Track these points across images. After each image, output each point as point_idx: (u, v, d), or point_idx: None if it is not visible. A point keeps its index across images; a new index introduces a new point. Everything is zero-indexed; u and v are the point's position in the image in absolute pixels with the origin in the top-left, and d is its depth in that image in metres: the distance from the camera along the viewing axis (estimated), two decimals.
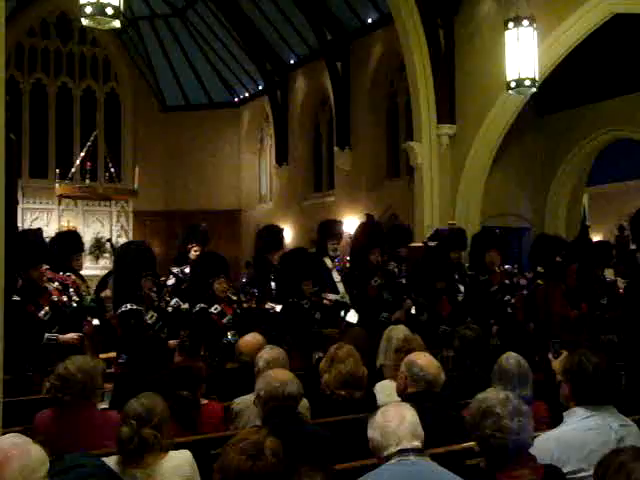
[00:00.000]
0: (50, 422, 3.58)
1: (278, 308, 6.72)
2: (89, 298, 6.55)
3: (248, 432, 2.60)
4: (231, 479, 2.33)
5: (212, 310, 5.97)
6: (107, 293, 6.52)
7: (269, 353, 4.22)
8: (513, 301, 7.02)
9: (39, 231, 6.31)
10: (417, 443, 2.68)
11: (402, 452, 2.63)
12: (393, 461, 2.63)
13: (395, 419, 2.70)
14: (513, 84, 9.02)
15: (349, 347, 4.33)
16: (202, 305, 5.95)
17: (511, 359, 3.81)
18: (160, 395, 3.17)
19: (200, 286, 6.11)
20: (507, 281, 7.18)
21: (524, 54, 8.98)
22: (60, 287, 5.90)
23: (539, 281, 6.80)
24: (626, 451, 2.12)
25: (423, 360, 3.74)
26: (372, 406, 3.76)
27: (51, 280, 5.88)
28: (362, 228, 7.73)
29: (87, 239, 16.38)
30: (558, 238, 7.67)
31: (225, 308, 6.05)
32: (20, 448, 2.15)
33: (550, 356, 4.27)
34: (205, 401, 4.02)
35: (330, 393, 4.10)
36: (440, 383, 3.67)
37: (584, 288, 6.61)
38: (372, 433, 2.72)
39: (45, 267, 5.91)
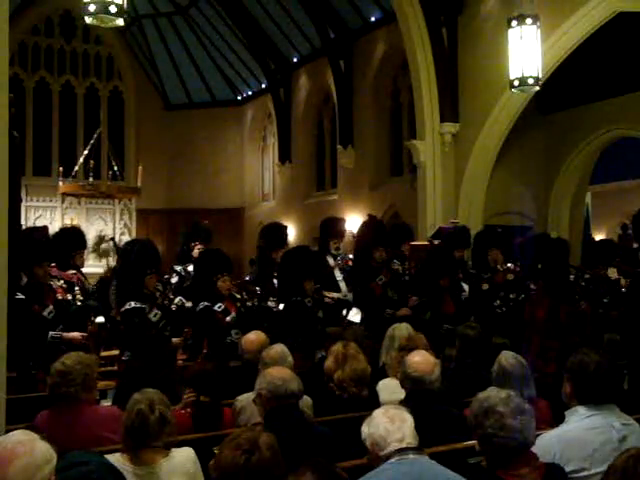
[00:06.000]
0: (51, 420, 3.56)
1: (281, 306, 6.71)
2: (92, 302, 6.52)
3: (243, 430, 2.60)
4: (227, 475, 2.33)
5: (216, 308, 5.95)
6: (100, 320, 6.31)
7: (273, 351, 4.23)
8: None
9: (44, 229, 6.29)
10: (416, 443, 2.69)
11: (402, 451, 2.64)
12: (393, 460, 2.63)
13: (397, 420, 2.71)
14: (516, 82, 9.00)
15: (355, 344, 4.33)
16: (206, 303, 5.94)
17: (511, 359, 3.79)
18: (165, 393, 3.17)
19: (203, 284, 6.10)
20: (511, 274, 7.11)
21: (527, 52, 8.95)
22: (65, 286, 5.89)
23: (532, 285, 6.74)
24: None
25: (415, 358, 3.73)
26: (375, 404, 3.76)
27: (56, 278, 5.87)
28: (366, 226, 7.72)
29: (90, 237, 16.43)
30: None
31: (229, 306, 6.04)
32: (26, 446, 2.10)
33: None
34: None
35: (339, 391, 4.09)
36: (432, 380, 3.64)
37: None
38: (373, 431, 2.72)
39: (52, 265, 5.90)
